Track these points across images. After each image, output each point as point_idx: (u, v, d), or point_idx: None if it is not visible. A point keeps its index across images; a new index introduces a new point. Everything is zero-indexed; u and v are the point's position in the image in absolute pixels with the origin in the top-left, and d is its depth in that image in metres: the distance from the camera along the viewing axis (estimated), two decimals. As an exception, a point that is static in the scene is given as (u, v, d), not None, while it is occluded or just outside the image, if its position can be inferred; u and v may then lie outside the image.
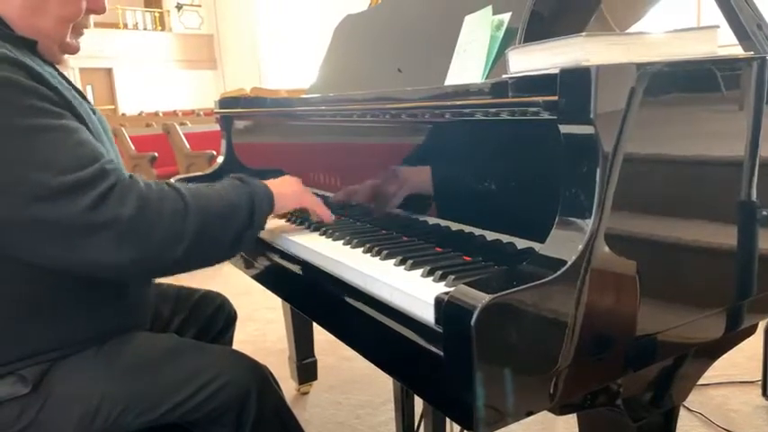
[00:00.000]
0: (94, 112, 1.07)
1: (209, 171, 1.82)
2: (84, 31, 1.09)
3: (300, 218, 1.27)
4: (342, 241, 1.06)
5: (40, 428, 0.95)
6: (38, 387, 0.95)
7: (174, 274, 0.98)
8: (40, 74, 0.90)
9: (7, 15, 0.97)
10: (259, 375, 1.08)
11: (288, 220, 1.31)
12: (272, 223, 1.26)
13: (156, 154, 5.10)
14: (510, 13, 1.05)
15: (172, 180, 1.77)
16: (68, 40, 1.05)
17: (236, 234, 0.98)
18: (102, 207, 0.84)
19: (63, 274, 0.94)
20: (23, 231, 0.85)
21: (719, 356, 0.99)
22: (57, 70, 1.06)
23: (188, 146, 5.22)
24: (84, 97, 1.07)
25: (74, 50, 1.07)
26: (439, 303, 0.72)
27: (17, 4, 0.97)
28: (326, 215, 1.17)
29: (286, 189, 1.10)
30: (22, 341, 0.96)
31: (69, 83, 1.06)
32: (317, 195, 1.36)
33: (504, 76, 0.84)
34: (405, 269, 0.88)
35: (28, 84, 0.86)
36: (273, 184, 1.07)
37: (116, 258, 0.86)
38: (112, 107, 15.51)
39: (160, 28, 17.09)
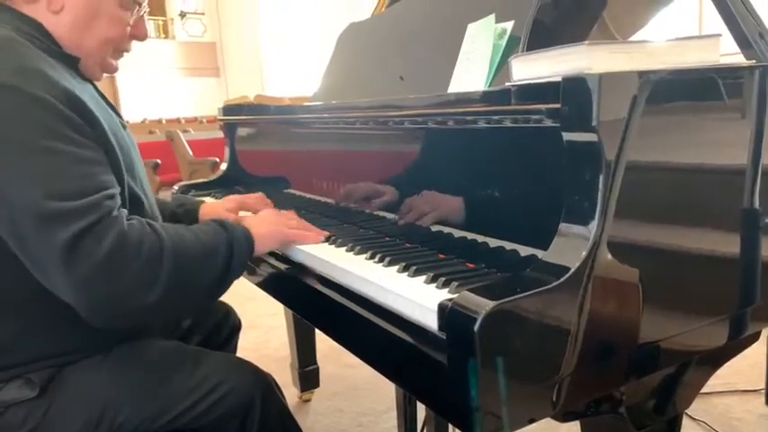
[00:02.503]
0: (124, 127, 1.10)
1: (212, 178, 1.83)
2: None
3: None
4: (345, 248, 1.06)
5: None
6: (44, 391, 0.96)
7: (150, 319, 0.98)
8: (77, 97, 0.91)
9: (56, 33, 1.00)
10: (263, 383, 1.08)
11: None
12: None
13: (159, 161, 5.11)
14: (513, 22, 1.06)
15: (175, 186, 1.78)
16: (109, 59, 1.09)
17: (212, 280, 0.95)
18: (79, 245, 0.82)
19: None
20: (14, 244, 0.87)
21: (723, 364, 0.99)
22: (94, 87, 1.09)
23: (191, 153, 5.23)
24: (116, 112, 1.11)
25: (113, 70, 1.11)
26: (442, 310, 0.72)
27: (67, 23, 1.00)
28: (315, 239, 1.13)
29: (265, 229, 1.07)
30: (32, 344, 0.96)
31: (104, 98, 1.09)
32: (320, 202, 1.37)
33: (506, 83, 0.84)
34: (408, 276, 0.88)
35: (60, 108, 0.87)
36: (253, 225, 1.05)
37: (84, 297, 0.84)
38: (116, 114, 15.50)
39: (164, 35, 17.14)
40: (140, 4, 1.08)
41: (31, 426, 0.94)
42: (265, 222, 1.10)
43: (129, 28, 1.08)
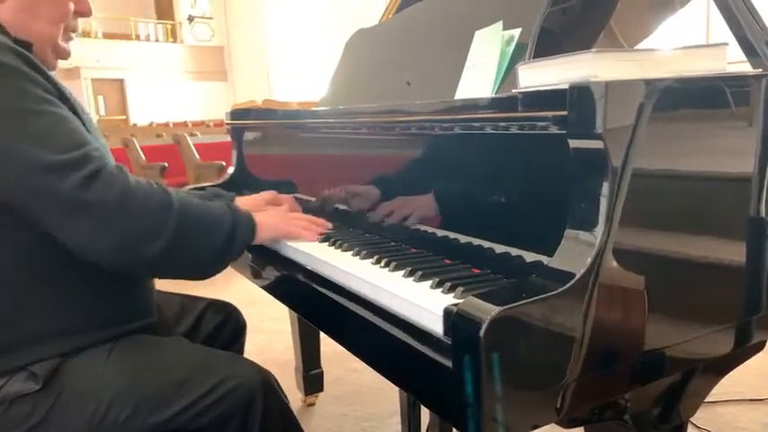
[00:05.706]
0: (84, 111, 1.10)
1: (219, 181, 1.84)
2: (73, 35, 1.14)
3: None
4: (351, 252, 1.07)
5: (52, 426, 0.96)
6: (48, 384, 0.97)
7: (150, 273, 1.04)
8: (38, 65, 0.95)
9: (4, 19, 1.01)
10: (265, 381, 1.09)
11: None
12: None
13: (167, 164, 5.14)
14: (520, 29, 1.06)
15: (185, 189, 1.79)
16: (60, 42, 1.09)
17: (213, 249, 1.02)
18: (88, 189, 0.89)
19: (74, 263, 0.97)
20: (28, 201, 0.91)
21: (728, 372, 0.99)
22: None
23: (198, 156, 5.25)
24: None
25: (65, 55, 1.12)
26: (448, 315, 0.72)
27: (10, 7, 1.02)
28: (311, 238, 1.18)
29: (269, 220, 1.16)
30: (31, 321, 0.98)
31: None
32: (324, 205, 1.37)
33: (513, 90, 0.85)
34: (413, 280, 0.88)
35: (28, 72, 0.93)
36: (258, 215, 1.13)
37: (95, 242, 0.91)
38: (123, 117, 15.63)
39: (172, 40, 17.24)
40: None
41: (36, 419, 0.96)
42: (270, 215, 1.19)
43: (71, 5, 1.08)
